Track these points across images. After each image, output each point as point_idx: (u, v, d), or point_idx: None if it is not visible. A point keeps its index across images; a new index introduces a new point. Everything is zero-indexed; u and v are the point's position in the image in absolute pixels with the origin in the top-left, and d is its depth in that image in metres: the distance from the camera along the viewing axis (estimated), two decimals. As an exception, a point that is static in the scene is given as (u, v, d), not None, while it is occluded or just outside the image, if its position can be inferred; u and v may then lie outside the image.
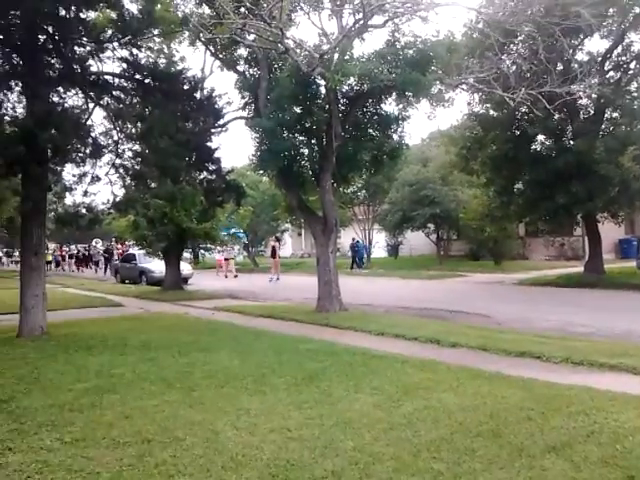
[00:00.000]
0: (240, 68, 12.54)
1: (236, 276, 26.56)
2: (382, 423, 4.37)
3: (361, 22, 10.34)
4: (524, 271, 22.04)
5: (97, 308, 13.95)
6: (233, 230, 29.83)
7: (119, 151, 10.81)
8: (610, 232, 21.75)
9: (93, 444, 4.09)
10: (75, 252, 41.91)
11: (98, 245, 40.91)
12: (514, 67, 14.68)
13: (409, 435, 4.10)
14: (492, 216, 19.63)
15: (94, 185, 10.41)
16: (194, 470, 3.58)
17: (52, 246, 40.55)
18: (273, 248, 25.77)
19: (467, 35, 15.93)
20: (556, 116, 16.11)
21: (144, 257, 22.67)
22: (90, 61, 9.87)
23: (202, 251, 29.04)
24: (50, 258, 39.04)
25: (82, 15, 9.23)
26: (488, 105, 17.94)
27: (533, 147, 18.31)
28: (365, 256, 29.66)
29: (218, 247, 27.92)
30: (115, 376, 6.22)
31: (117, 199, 11.05)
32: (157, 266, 21.63)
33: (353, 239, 29.30)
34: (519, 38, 15.69)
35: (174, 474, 3.53)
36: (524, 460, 3.61)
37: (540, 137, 18.25)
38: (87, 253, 40.30)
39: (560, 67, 15.39)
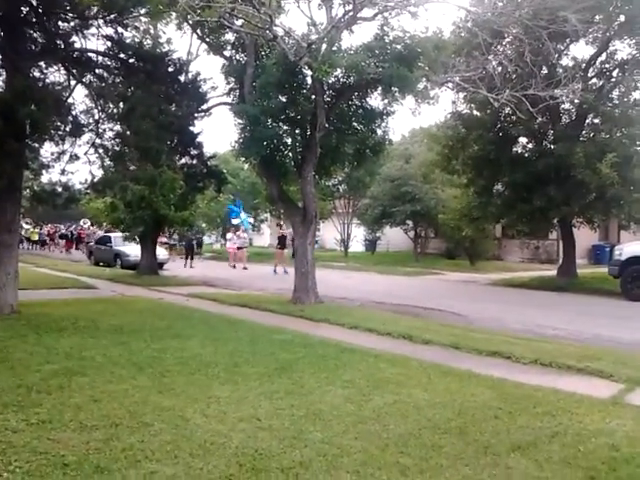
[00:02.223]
0: (227, 53, 12.42)
1: (245, 268, 23.05)
2: (352, 416, 4.40)
3: (350, 14, 10.29)
4: (498, 272, 22.30)
5: (70, 289, 13.78)
6: (242, 215, 26.49)
7: (99, 131, 10.65)
8: (584, 237, 22.10)
9: (60, 426, 4.05)
10: (65, 232, 39.33)
11: (87, 225, 39.11)
12: (500, 68, 14.74)
13: (378, 429, 4.13)
14: (470, 216, 19.75)
15: (72, 164, 10.26)
16: (161, 456, 3.57)
17: (26, 225, 39.02)
18: (282, 237, 22.39)
19: (455, 33, 15.97)
20: (538, 119, 16.25)
21: (120, 240, 22.42)
22: (74, 37, 9.69)
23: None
24: (36, 237, 37.91)
25: (68, -11, 9.05)
26: (472, 105, 18.00)
27: (514, 149, 18.46)
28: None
29: (229, 234, 26.42)
30: (85, 359, 6.16)
31: (95, 179, 10.91)
32: (133, 250, 21.41)
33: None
34: (506, 39, 15.79)
35: (141, 459, 3.51)
36: (489, 458, 3.66)
37: (522, 139, 18.40)
38: (77, 234, 37.36)
39: (545, 71, 15.53)
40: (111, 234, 24.65)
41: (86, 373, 5.52)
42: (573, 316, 11.19)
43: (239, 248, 24.56)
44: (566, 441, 3.97)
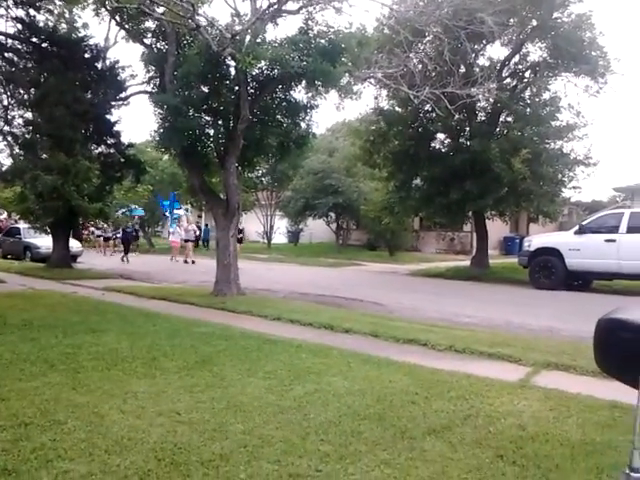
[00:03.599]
0: (147, 41, 12.05)
1: (194, 262, 22.22)
2: (273, 406, 4.41)
3: (275, 6, 10.25)
4: (416, 262, 23.00)
5: (-26, 283, 12.95)
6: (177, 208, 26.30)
7: (8, 117, 10.11)
8: (496, 229, 23.21)
9: (-38, 428, 3.81)
10: None
11: (3, 217, 36.04)
12: (420, 66, 15.20)
13: (299, 418, 4.17)
14: (390, 209, 20.25)
15: (-23, 152, 9.69)
16: (75, 454, 3.43)
17: None
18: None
19: (378, 30, 16.27)
20: (456, 116, 16.85)
21: (29, 231, 21.26)
22: (-21, 17, 9.12)
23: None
24: None
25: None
26: (393, 101, 18.45)
27: (433, 145, 19.09)
28: (209, 238, 30.27)
29: (172, 227, 25.09)
30: (-9, 356, 5.83)
31: (3, 168, 10.35)
32: (44, 242, 20.37)
33: (197, 222, 32.45)
34: (427, 38, 16.26)
35: (53, 458, 3.37)
36: (406, 442, 3.78)
37: (440, 135, 19.07)
38: None
39: (462, 70, 16.12)
40: (20, 225, 23.41)
41: (-8, 371, 5.23)
42: (486, 304, 11.73)
43: (186, 241, 23.60)
44: (478, 423, 4.16)
